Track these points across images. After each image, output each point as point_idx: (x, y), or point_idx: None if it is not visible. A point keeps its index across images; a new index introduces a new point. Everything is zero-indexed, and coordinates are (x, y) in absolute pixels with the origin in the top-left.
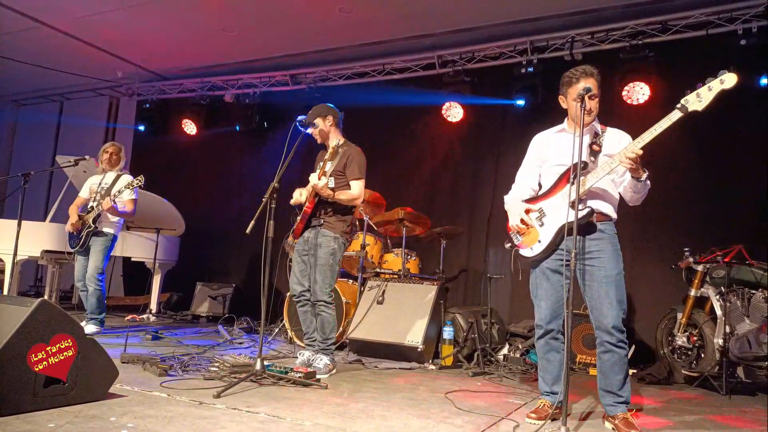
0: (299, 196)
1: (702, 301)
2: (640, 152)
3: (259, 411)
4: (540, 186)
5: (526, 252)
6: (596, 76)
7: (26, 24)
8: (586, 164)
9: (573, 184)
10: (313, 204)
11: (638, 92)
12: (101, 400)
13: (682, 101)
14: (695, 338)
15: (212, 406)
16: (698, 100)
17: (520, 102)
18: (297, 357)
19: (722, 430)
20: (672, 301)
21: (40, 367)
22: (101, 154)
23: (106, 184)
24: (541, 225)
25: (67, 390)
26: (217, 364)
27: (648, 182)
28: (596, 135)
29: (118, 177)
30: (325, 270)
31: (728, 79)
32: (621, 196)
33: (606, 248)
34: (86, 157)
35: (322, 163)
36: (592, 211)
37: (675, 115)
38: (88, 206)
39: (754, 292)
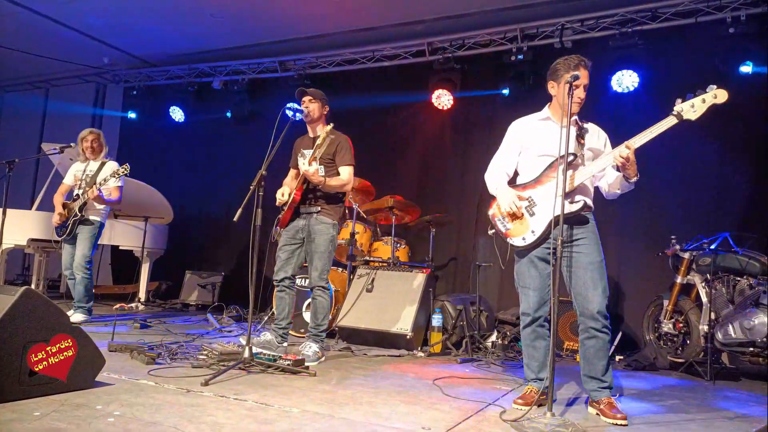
0: (282, 196)
1: (688, 288)
2: (632, 151)
3: (247, 398)
4: (516, 173)
5: (518, 242)
6: (588, 67)
7: (11, 9)
8: (575, 156)
9: (564, 174)
10: (301, 192)
11: (627, 80)
12: (88, 388)
13: (677, 108)
14: (681, 325)
15: (200, 394)
16: (692, 110)
17: (508, 90)
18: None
19: (706, 414)
20: (658, 289)
21: (41, 367)
22: (80, 143)
23: (91, 171)
24: (532, 215)
25: (54, 379)
26: (205, 352)
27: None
28: (580, 128)
29: (103, 164)
30: (324, 257)
31: (720, 95)
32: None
33: (589, 236)
34: (72, 144)
35: (307, 151)
36: (585, 204)
37: (671, 121)
38: (74, 194)
39: (739, 279)
